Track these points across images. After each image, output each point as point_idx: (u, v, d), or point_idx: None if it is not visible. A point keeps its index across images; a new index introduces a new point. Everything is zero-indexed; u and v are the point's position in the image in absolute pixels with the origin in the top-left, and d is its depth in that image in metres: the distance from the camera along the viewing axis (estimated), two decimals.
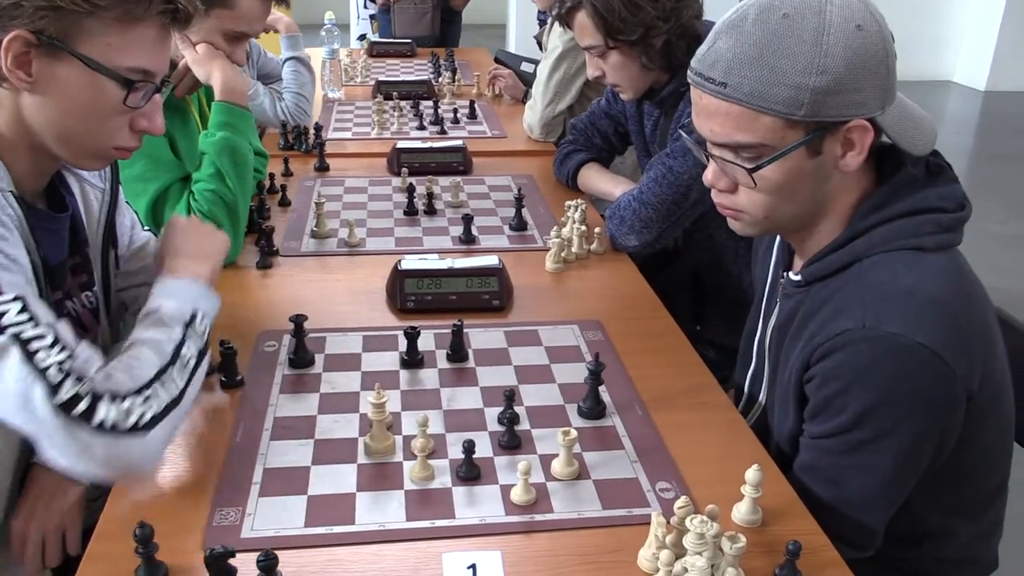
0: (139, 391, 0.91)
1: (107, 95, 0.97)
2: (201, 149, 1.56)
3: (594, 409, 1.16)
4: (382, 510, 0.98)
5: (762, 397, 1.24)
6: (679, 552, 0.88)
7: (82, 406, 0.86)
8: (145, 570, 0.87)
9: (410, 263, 1.48)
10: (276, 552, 0.85)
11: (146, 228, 1.30)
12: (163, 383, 0.94)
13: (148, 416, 0.90)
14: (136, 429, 0.89)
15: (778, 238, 1.23)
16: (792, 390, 1.08)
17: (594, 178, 1.95)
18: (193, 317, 1.03)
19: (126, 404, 0.89)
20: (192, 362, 0.99)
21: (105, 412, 0.87)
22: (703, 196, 1.15)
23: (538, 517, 0.98)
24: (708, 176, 1.07)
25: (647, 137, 1.88)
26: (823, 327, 1.03)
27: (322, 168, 2.12)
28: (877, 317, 0.97)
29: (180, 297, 1.05)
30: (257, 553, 0.84)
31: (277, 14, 2.44)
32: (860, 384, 0.98)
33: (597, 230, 1.70)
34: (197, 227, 1.21)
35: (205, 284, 1.10)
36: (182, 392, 0.96)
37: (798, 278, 1.11)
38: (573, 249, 1.67)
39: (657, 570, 0.87)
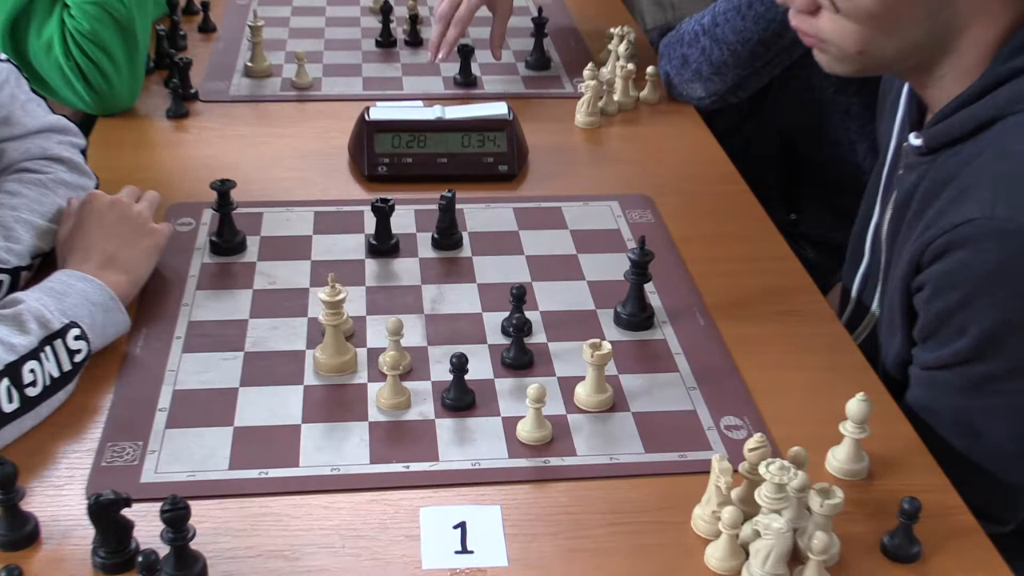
0: None
1: None
2: None
3: (637, 316, 1.16)
4: (337, 449, 0.99)
5: (874, 306, 1.25)
6: (749, 511, 0.88)
7: None
8: (6, 524, 0.87)
9: (383, 112, 1.47)
10: (188, 500, 0.84)
11: (3, 59, 1.27)
12: None
13: None
14: None
15: (906, 85, 1.22)
16: (898, 298, 1.09)
17: None
18: (64, 330, 1.00)
19: None
20: (36, 391, 0.97)
21: None
22: None
23: (554, 461, 0.98)
24: None
25: None
26: (942, 214, 1.02)
27: None
28: (1014, 203, 0.95)
29: (63, 298, 1.03)
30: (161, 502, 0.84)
31: None
32: (986, 297, 0.98)
33: (650, 70, 1.68)
34: (123, 215, 1.17)
35: (113, 295, 1.08)
36: None
37: (919, 143, 1.10)
38: (615, 97, 1.65)
39: (718, 534, 0.87)
